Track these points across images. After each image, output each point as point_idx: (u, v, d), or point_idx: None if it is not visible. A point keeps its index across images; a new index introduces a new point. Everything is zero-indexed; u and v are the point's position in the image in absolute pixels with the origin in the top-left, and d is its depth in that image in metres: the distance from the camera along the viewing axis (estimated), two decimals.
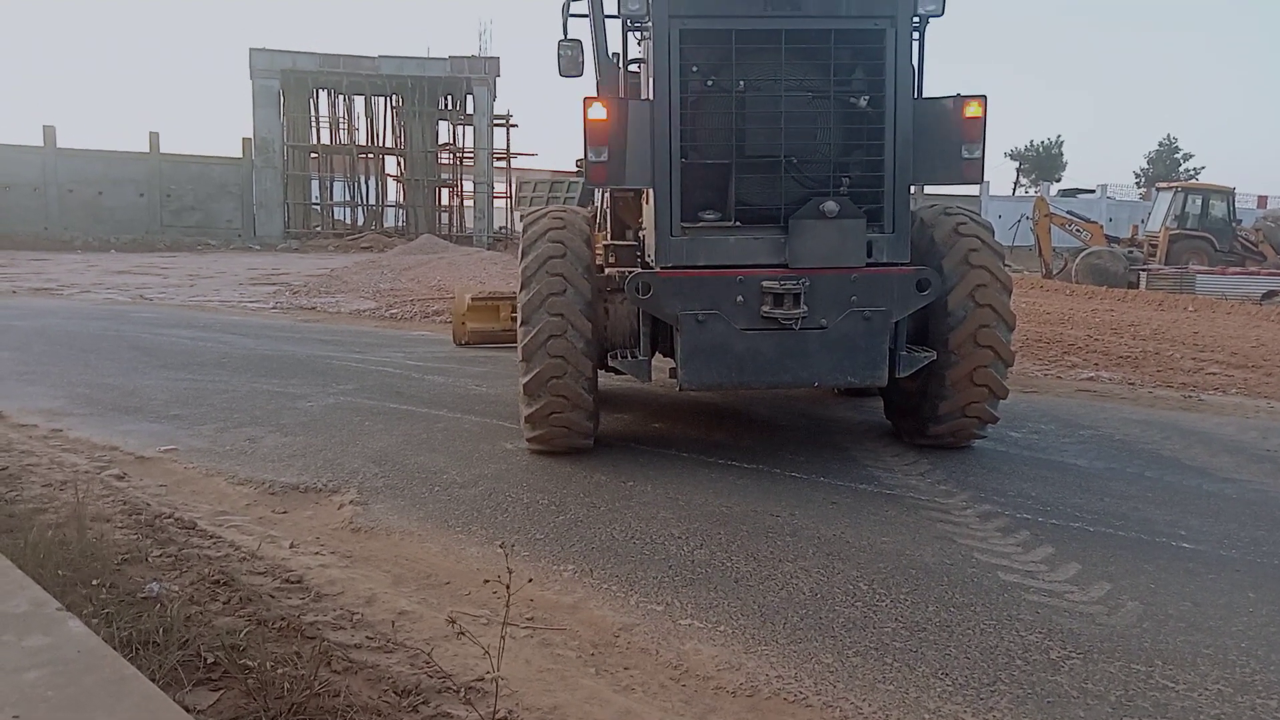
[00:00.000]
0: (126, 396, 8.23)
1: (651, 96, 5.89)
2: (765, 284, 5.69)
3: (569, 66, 7.30)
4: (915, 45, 6.07)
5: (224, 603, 3.74)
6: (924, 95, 6.15)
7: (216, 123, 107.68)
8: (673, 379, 6.23)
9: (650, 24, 5.88)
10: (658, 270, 5.87)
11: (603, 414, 6.78)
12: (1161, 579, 4.29)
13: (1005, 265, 6.31)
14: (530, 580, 4.15)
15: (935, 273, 5.92)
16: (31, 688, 2.00)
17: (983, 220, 6.46)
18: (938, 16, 6.04)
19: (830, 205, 5.76)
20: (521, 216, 6.71)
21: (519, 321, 6.12)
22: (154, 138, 37.58)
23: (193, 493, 5.57)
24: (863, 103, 5.92)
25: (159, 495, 5.42)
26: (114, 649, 2.37)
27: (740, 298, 5.71)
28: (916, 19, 5.99)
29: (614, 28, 7.18)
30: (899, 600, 4.05)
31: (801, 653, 3.57)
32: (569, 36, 7.40)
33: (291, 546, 4.63)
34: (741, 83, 5.86)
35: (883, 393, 6.81)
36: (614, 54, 7.33)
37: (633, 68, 7.05)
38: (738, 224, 5.91)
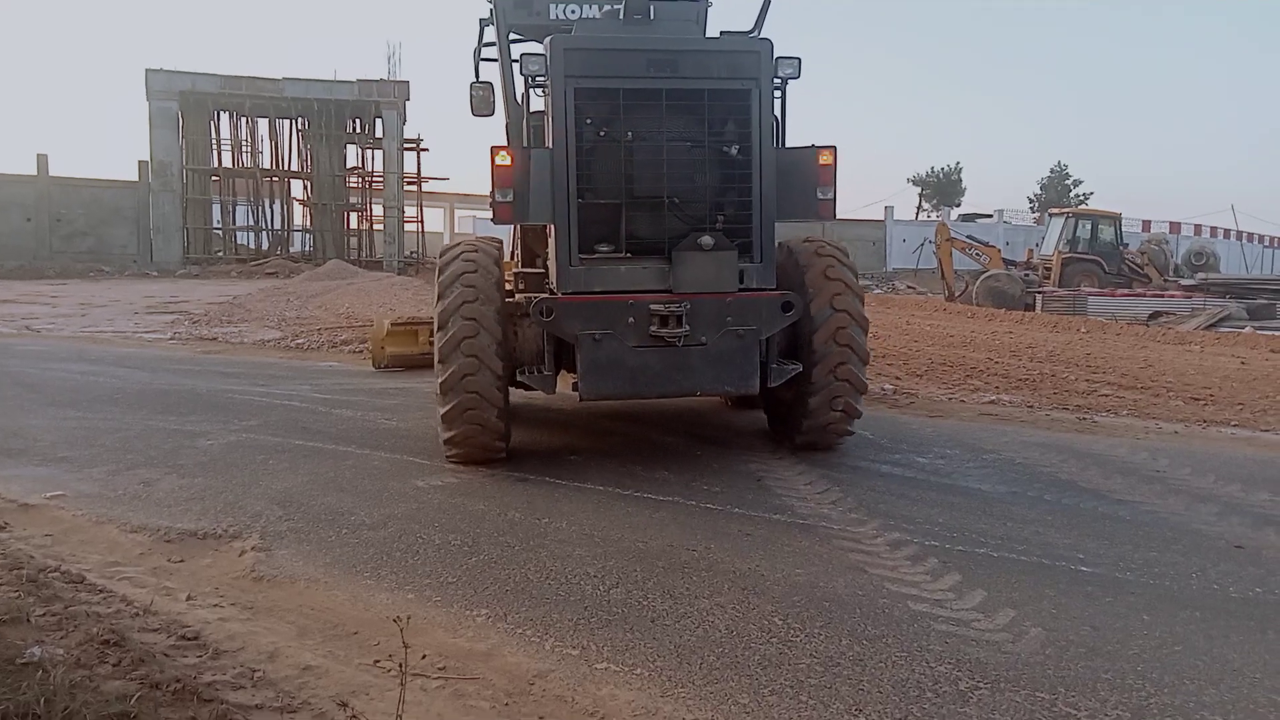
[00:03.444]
0: (9, 437, 7.78)
1: (551, 145, 6.70)
2: (653, 307, 6.51)
3: (481, 106, 8.07)
4: (779, 103, 7.04)
5: (114, 665, 3.53)
6: (786, 144, 7.17)
7: (110, 145, 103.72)
8: (575, 393, 6.85)
9: (549, 83, 6.69)
10: (559, 296, 6.63)
11: (518, 451, 7.08)
12: (1062, 604, 4.43)
13: (858, 279, 7.36)
14: (441, 629, 4.08)
15: (798, 296, 6.86)
16: None
17: (839, 244, 7.57)
18: (795, 79, 6.99)
19: (706, 239, 6.62)
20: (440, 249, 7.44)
21: (435, 327, 6.77)
22: (42, 160, 35.93)
23: (81, 542, 5.27)
24: (734, 151, 6.80)
25: (44, 546, 5.12)
26: None
27: (631, 319, 6.52)
28: (778, 80, 6.92)
29: (520, 75, 7.48)
30: (813, 635, 4.08)
31: (718, 693, 3.56)
32: (480, 79, 8.25)
33: (188, 599, 4.42)
34: (629, 134, 6.70)
35: (765, 403, 7.86)
36: (521, 97, 7.90)
37: (536, 107, 7.68)
38: (628, 255, 6.75)
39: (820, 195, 7.01)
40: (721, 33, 7.78)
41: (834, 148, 7.01)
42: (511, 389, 6.97)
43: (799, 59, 6.91)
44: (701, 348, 6.59)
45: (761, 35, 7.69)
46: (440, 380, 6.59)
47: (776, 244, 7.14)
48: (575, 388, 6.79)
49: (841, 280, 7.05)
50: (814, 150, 7.01)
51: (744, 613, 4.30)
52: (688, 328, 6.51)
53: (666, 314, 6.49)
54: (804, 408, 7.07)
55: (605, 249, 6.78)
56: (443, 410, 6.65)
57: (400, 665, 2.66)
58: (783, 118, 7.17)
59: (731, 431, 8.21)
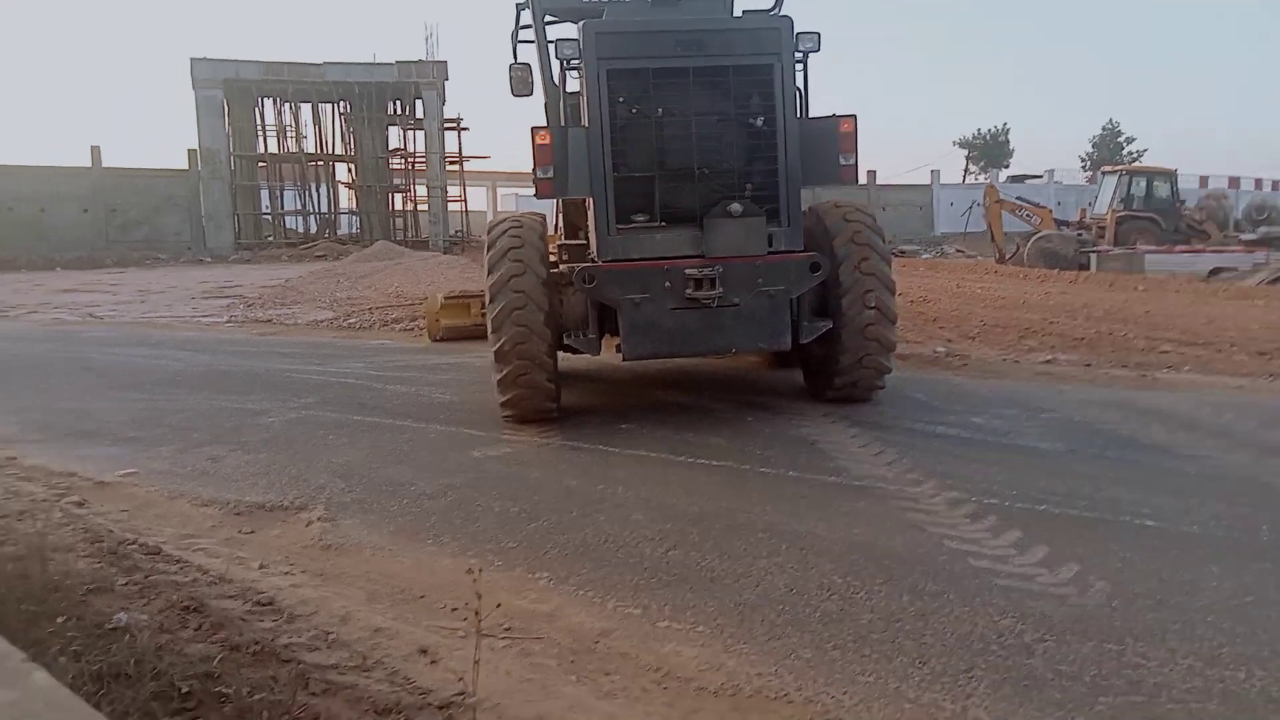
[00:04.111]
0: (81, 419, 8.05)
1: (586, 123, 7.17)
2: (687, 271, 6.94)
3: (520, 87, 8.49)
4: (800, 75, 7.44)
5: (195, 629, 3.67)
6: (809, 115, 7.52)
7: (160, 135, 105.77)
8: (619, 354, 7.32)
9: (583, 65, 7.14)
10: (600, 264, 7.10)
11: (571, 422, 7.33)
12: (1128, 557, 4.38)
13: (885, 243, 7.67)
14: (505, 591, 4.16)
15: (825, 257, 7.22)
16: None
17: (867, 209, 7.84)
18: (815, 53, 7.43)
19: (736, 206, 7.07)
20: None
21: (487, 299, 7.22)
22: (96, 152, 36.77)
23: (156, 517, 5.45)
24: (759, 123, 7.20)
25: (121, 521, 5.30)
26: (85, 691, 2.31)
27: (668, 283, 6.95)
28: (799, 55, 7.33)
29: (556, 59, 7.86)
30: (874, 591, 4.08)
31: (781, 649, 3.59)
32: (519, 60, 8.69)
33: (261, 567, 4.56)
34: (660, 110, 7.13)
35: (801, 361, 8.25)
36: (557, 78, 8.29)
37: (572, 88, 8.11)
38: (663, 224, 7.18)
39: (843, 161, 7.39)
40: (744, 12, 8.11)
41: (854, 116, 7.36)
42: (560, 353, 7.41)
43: (818, 34, 7.32)
44: (734, 308, 7.01)
45: (782, 13, 8.05)
46: (494, 349, 7.04)
47: (805, 209, 7.56)
48: (619, 349, 7.24)
49: (869, 245, 7.38)
50: (835, 119, 7.40)
51: (803, 571, 4.32)
52: (721, 290, 6.92)
53: (700, 277, 6.92)
54: (835, 365, 7.48)
55: (641, 219, 7.20)
56: (498, 376, 7.13)
57: (475, 611, 2.72)
58: (805, 89, 7.54)
59: (782, 398, 8.18)
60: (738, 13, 8.27)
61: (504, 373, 7.07)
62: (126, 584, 4.14)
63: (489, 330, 7.15)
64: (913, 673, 3.38)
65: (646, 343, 7.08)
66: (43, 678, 2.06)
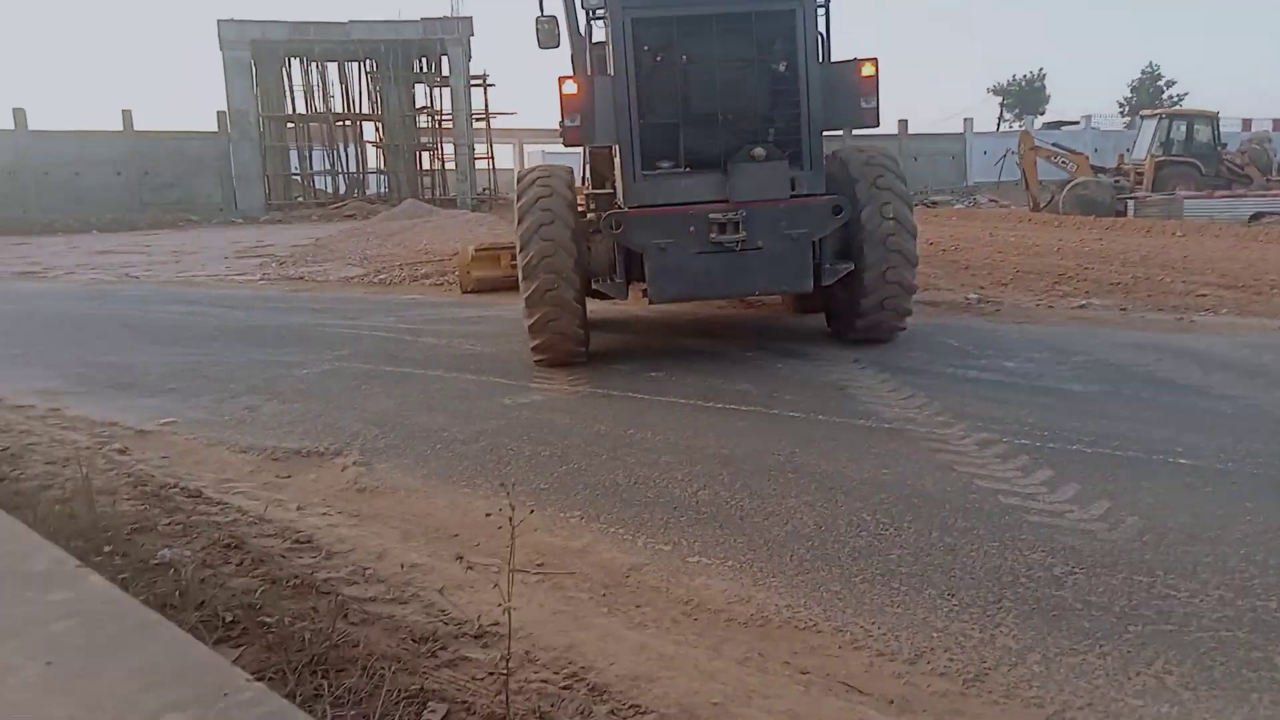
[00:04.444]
0: (121, 373, 8.21)
1: (612, 72, 7.30)
2: (712, 216, 7.08)
3: (546, 39, 8.56)
4: (822, 20, 7.52)
5: (236, 565, 3.77)
6: (831, 59, 7.61)
7: (190, 97, 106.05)
8: (647, 300, 7.65)
9: (608, 14, 7.31)
10: (627, 209, 7.28)
11: (599, 369, 7.48)
12: (1160, 494, 4.35)
13: (907, 187, 7.71)
14: (537, 529, 4.22)
15: (847, 200, 7.31)
16: (60, 637, 2.04)
17: (889, 154, 7.88)
18: None
19: (759, 151, 7.18)
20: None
21: (517, 248, 7.38)
22: (127, 115, 37.00)
23: (196, 463, 5.57)
24: (781, 68, 7.33)
25: (162, 467, 5.43)
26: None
27: (692, 228, 7.11)
28: (820, 0, 7.44)
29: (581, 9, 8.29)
30: (903, 528, 4.10)
31: (809, 582, 3.63)
32: (545, 13, 8.67)
33: (299, 509, 4.66)
34: (684, 57, 7.27)
35: (824, 304, 8.35)
36: (583, 28, 8.56)
37: (598, 37, 8.33)
38: (687, 169, 7.32)
39: (864, 104, 7.42)
40: None
41: (875, 59, 7.39)
42: (589, 299, 7.65)
43: None
44: (758, 251, 7.15)
45: None
46: (525, 296, 7.27)
47: (829, 153, 7.70)
48: (645, 294, 7.52)
49: (891, 189, 7.45)
50: (856, 63, 7.43)
51: (832, 510, 4.34)
52: (744, 233, 7.08)
53: (724, 221, 7.08)
54: (857, 307, 7.62)
55: (666, 165, 7.34)
56: (529, 322, 7.36)
57: (510, 519, 2.77)
58: (826, 34, 7.65)
59: (811, 344, 8.15)
60: None
61: (535, 318, 7.28)
62: (169, 524, 4.26)
63: (520, 278, 7.35)
64: (941, 604, 3.40)
65: (672, 286, 7.30)
66: (97, 580, 2.15)
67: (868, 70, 7.40)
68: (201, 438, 6.06)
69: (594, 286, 7.58)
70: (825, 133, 7.53)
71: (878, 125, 7.74)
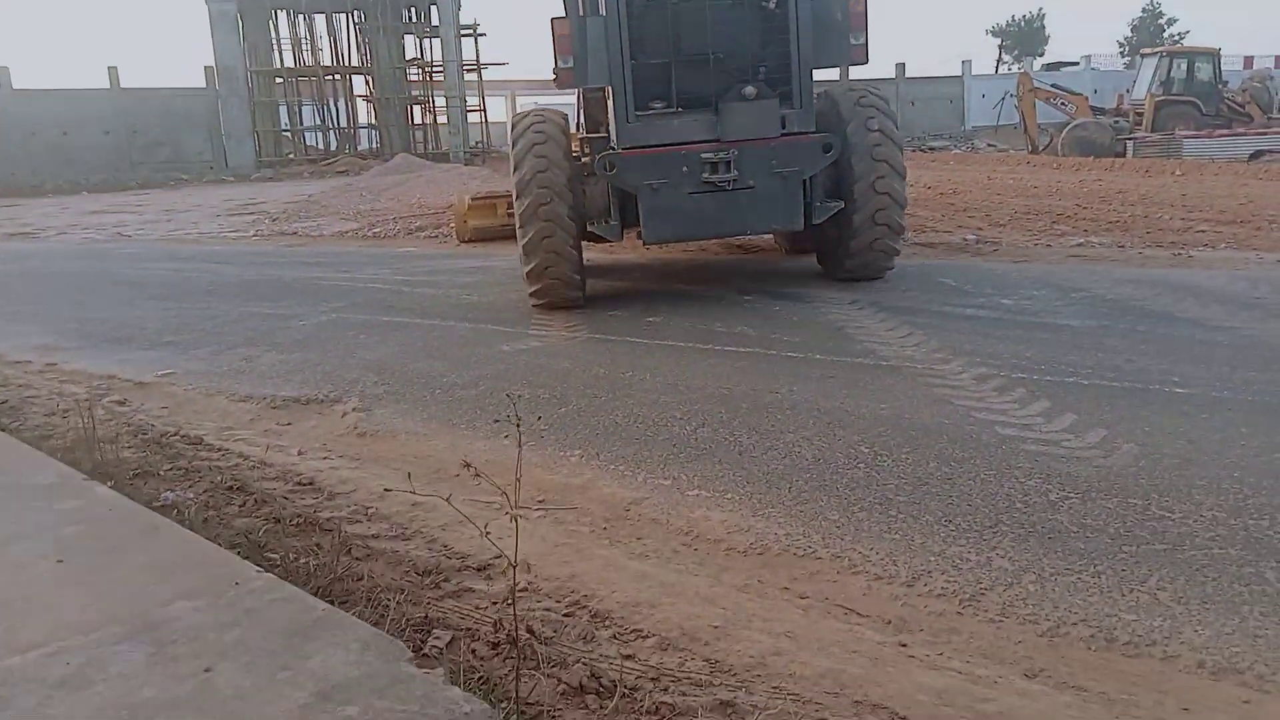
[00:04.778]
0: (117, 328, 8.20)
1: (604, 12, 7.29)
2: (704, 155, 7.19)
3: None
4: None
5: (239, 506, 3.80)
6: None
7: (177, 52, 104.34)
8: (641, 242, 7.77)
9: None
10: (620, 151, 7.36)
11: (597, 315, 7.53)
12: (1156, 422, 4.38)
13: (897, 127, 7.72)
14: (538, 467, 4.25)
15: (837, 137, 7.37)
16: (71, 540, 2.07)
17: (880, 93, 7.90)
18: None
19: (749, 90, 7.28)
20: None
21: (514, 195, 7.47)
22: (113, 73, 36.42)
23: (195, 412, 5.59)
24: (771, 5, 7.33)
25: (162, 416, 5.45)
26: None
27: (685, 168, 7.21)
28: None
29: None
30: (900, 459, 4.13)
31: (808, 512, 3.66)
32: None
33: (300, 453, 4.69)
34: None
35: (814, 243, 8.48)
36: None
37: None
38: (679, 110, 7.41)
39: (854, 40, 7.50)
40: None
41: None
42: (585, 244, 7.79)
43: None
44: (750, 190, 7.27)
45: None
46: (522, 243, 7.41)
47: (820, 91, 7.78)
48: (640, 237, 7.61)
49: (881, 130, 7.50)
50: None
51: (830, 443, 4.37)
52: (736, 173, 7.19)
53: (716, 160, 7.19)
54: (847, 247, 7.75)
55: (659, 105, 7.44)
56: (527, 268, 7.50)
57: (516, 425, 2.80)
58: None
59: (809, 287, 8.14)
60: None
61: (532, 265, 7.43)
62: (171, 469, 4.29)
63: (517, 225, 7.48)
64: (938, 530, 3.44)
65: (666, 226, 7.43)
66: (104, 490, 2.18)
67: (856, 5, 7.44)
68: (200, 388, 6.07)
69: (590, 229, 7.71)
70: (819, 72, 7.52)
71: (867, 62, 7.73)
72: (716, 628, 2.85)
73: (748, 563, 3.31)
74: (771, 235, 10.06)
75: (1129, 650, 2.66)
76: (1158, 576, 3.01)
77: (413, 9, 38.48)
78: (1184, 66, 26.00)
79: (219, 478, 4.15)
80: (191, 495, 3.84)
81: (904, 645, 2.74)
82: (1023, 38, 65.53)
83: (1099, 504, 3.56)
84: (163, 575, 2.03)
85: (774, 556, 3.34)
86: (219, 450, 4.68)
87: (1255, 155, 20.71)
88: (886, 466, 4.05)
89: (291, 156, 38.15)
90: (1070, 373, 5.21)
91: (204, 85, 37.17)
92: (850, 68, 9.22)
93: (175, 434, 4.95)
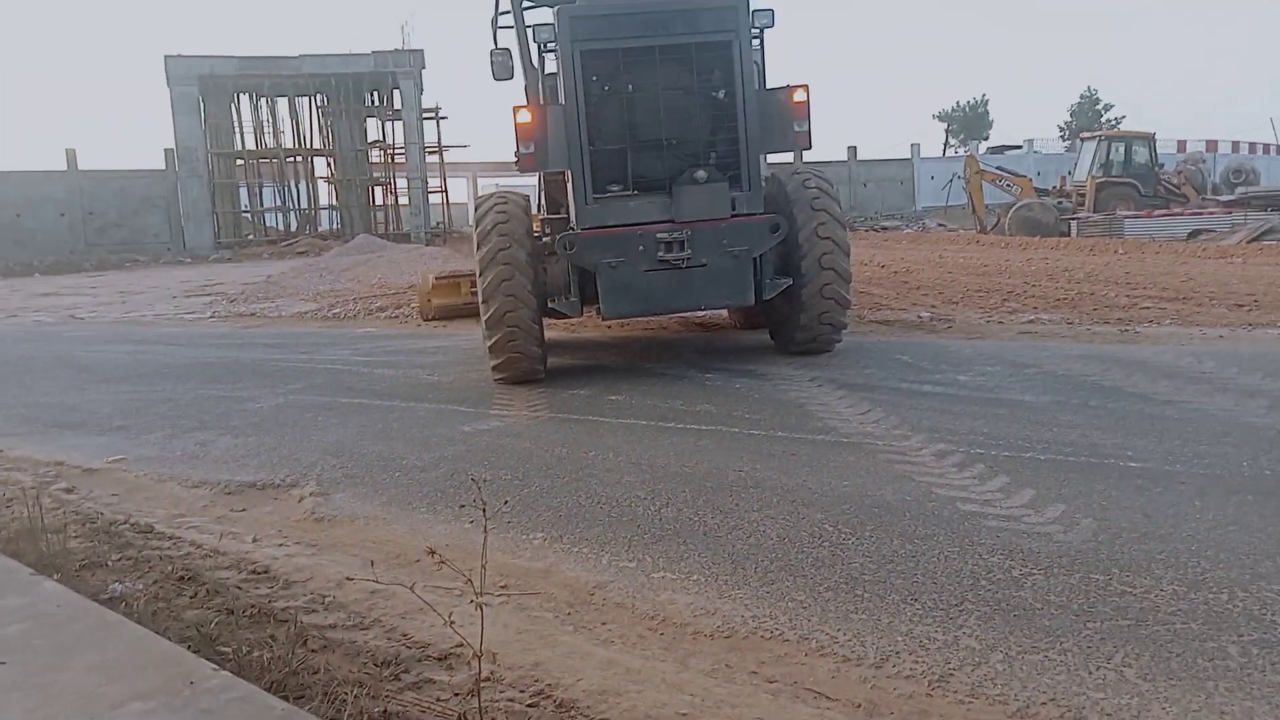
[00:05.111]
0: (67, 413, 8.01)
1: (564, 101, 7.70)
2: (659, 235, 7.54)
3: (501, 71, 8.98)
4: (758, 49, 8.09)
5: (190, 597, 3.68)
6: (766, 86, 8.18)
7: (135, 134, 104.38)
8: (600, 318, 8.12)
9: (559, 47, 7.72)
10: (580, 231, 7.66)
11: (559, 395, 7.52)
12: (1113, 496, 4.44)
13: (841, 208, 8.16)
14: (500, 551, 4.18)
15: (784, 218, 7.81)
16: (16, 639, 1.98)
17: (823, 175, 8.32)
18: (770, 29, 8.10)
19: (701, 174, 7.63)
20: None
21: (477, 271, 7.75)
22: (71, 154, 36.36)
23: (146, 499, 5.45)
24: (720, 95, 7.75)
25: (111, 504, 5.30)
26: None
27: (641, 246, 7.55)
28: (755, 31, 7.97)
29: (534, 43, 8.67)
30: (864, 538, 4.13)
31: (774, 593, 3.63)
32: (499, 46, 9.14)
33: (254, 540, 4.57)
34: (630, 86, 7.70)
35: (766, 319, 8.89)
36: (536, 60, 9.04)
37: (550, 69, 8.83)
38: (635, 192, 7.76)
39: (797, 128, 7.92)
40: None
41: (805, 86, 7.91)
42: (547, 319, 8.07)
43: (772, 10, 7.96)
44: (703, 268, 7.61)
45: None
46: (485, 318, 7.65)
47: (767, 175, 8.25)
48: (598, 311, 7.96)
49: (826, 210, 7.92)
50: (788, 89, 7.95)
51: (794, 522, 4.36)
52: (690, 251, 7.54)
53: (671, 240, 7.53)
54: (797, 321, 8.12)
55: (615, 188, 7.76)
56: (489, 342, 7.72)
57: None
58: (762, 63, 8.25)
59: (770, 365, 8.22)
60: None
61: (495, 339, 7.65)
62: (120, 559, 4.16)
63: (480, 301, 7.71)
64: (905, 609, 3.43)
65: (623, 302, 7.75)
66: (52, 585, 2.10)
67: (799, 96, 7.90)
68: (152, 474, 5.93)
69: (550, 305, 7.97)
70: (771, 157, 7.96)
71: (810, 147, 8.20)
72: (684, 715, 2.79)
73: (715, 646, 3.26)
74: (726, 312, 10.40)
75: None
76: (1123, 653, 3.02)
77: (375, 93, 39.06)
78: (1122, 149, 27.12)
79: (170, 567, 4.03)
80: (141, 586, 3.72)
81: None
82: (968, 122, 68.09)
83: (1061, 580, 3.58)
84: (114, 675, 1.95)
85: (741, 639, 3.30)
86: (170, 539, 4.56)
87: (1193, 235, 21.51)
88: (851, 545, 4.05)
89: (251, 237, 38.10)
90: (1027, 448, 5.29)
91: (163, 167, 37.19)
92: (800, 153, 9.63)
93: (125, 522, 4.81)
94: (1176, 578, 3.53)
